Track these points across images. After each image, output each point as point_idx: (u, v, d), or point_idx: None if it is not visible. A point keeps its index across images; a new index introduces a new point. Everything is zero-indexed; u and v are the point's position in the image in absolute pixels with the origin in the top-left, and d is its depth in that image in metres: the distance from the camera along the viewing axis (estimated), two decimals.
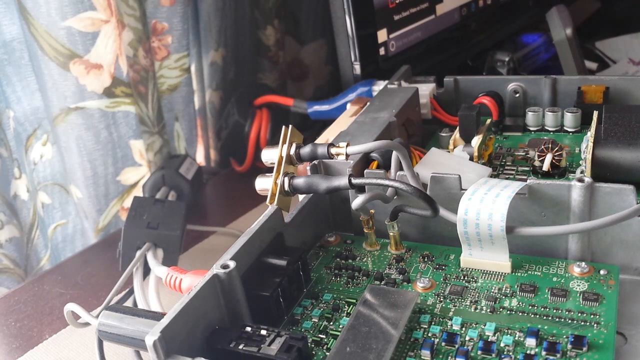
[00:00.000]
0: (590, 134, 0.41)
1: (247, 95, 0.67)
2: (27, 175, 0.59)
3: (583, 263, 0.35)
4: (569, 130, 0.50)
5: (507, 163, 0.47)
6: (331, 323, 0.34)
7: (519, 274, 0.36)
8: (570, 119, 0.50)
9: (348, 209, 0.42)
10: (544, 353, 0.30)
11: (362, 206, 0.36)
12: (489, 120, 0.50)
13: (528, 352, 0.30)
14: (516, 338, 0.31)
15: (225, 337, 0.30)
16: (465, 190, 0.36)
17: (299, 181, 0.37)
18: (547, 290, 0.34)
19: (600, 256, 0.36)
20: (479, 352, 0.30)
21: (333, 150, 0.38)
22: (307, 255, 0.40)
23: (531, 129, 0.52)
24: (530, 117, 0.51)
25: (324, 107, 0.63)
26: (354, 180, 0.36)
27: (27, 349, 0.44)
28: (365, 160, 0.42)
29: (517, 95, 0.54)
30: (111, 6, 0.54)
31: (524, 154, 0.48)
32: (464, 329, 0.32)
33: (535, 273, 0.36)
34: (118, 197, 0.60)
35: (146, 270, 0.44)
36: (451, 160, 0.45)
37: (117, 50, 0.55)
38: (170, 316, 0.28)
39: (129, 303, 0.42)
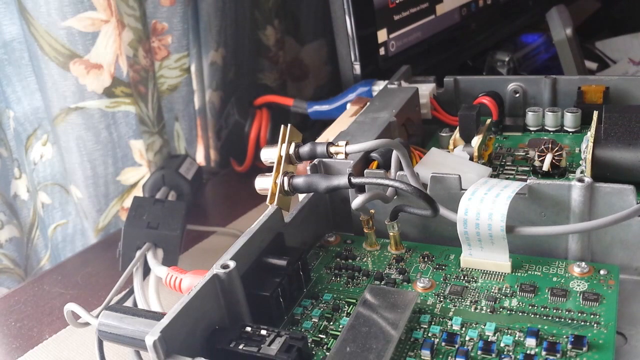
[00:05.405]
0: (590, 134, 0.41)
1: (247, 95, 0.67)
2: (27, 175, 0.59)
3: (583, 263, 0.35)
4: (569, 130, 0.50)
5: (507, 163, 0.47)
6: (331, 323, 0.34)
7: (519, 274, 0.36)
8: (570, 119, 0.50)
9: (348, 209, 0.42)
10: (544, 353, 0.30)
11: (362, 206, 0.36)
12: (489, 120, 0.50)
13: (528, 352, 0.30)
14: (516, 338, 0.31)
15: (225, 337, 0.30)
16: (465, 190, 0.36)
17: (299, 180, 0.37)
18: (547, 290, 0.34)
19: (600, 256, 0.36)
20: (479, 352, 0.30)
21: (332, 149, 0.38)
22: (307, 255, 0.40)
23: (531, 129, 0.52)
24: (530, 117, 0.51)
25: (324, 107, 0.63)
26: (354, 180, 0.36)
27: (27, 349, 0.44)
28: (365, 160, 0.42)
29: (517, 95, 0.54)
30: (111, 6, 0.54)
31: (524, 154, 0.48)
32: (464, 329, 0.32)
33: (535, 273, 0.36)
34: (118, 197, 0.60)
35: (146, 270, 0.44)
36: (451, 160, 0.45)
37: (117, 50, 0.55)
38: (170, 316, 0.28)
39: (129, 303, 0.42)
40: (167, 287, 0.38)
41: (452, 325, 0.32)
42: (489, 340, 0.31)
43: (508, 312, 0.33)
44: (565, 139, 0.49)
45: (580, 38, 0.74)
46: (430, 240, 0.40)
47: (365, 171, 0.41)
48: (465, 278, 0.36)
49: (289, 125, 0.39)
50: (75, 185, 0.58)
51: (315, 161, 0.41)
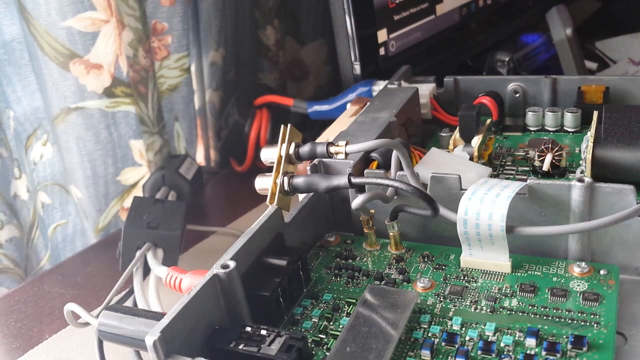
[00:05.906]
0: (590, 134, 0.41)
1: (247, 95, 0.68)
2: (27, 175, 0.59)
3: (583, 263, 0.35)
4: (569, 130, 0.50)
5: (507, 163, 0.47)
6: (331, 323, 0.34)
7: (519, 274, 0.36)
8: (570, 119, 0.50)
9: (348, 209, 0.42)
10: (544, 353, 0.30)
11: (362, 206, 0.36)
12: (489, 120, 0.50)
13: (528, 352, 0.30)
14: (516, 338, 0.31)
15: (225, 337, 0.30)
16: (465, 190, 0.36)
17: (299, 180, 0.37)
18: (547, 290, 0.34)
19: (600, 256, 0.36)
20: (479, 352, 0.30)
21: (332, 149, 0.38)
22: (307, 255, 0.40)
23: (531, 129, 0.52)
24: (530, 117, 0.51)
25: (324, 107, 0.63)
26: (354, 180, 0.36)
27: (27, 349, 0.44)
28: (365, 160, 0.42)
29: (517, 95, 0.54)
30: (111, 6, 0.54)
31: (524, 154, 0.48)
32: (464, 329, 0.32)
33: (535, 273, 0.36)
34: (118, 197, 0.60)
35: (146, 270, 0.44)
36: (451, 160, 0.45)
37: (117, 50, 0.55)
38: (170, 316, 0.28)
39: (129, 303, 0.42)
40: (167, 287, 0.38)
41: (452, 325, 0.32)
42: (489, 340, 0.31)
43: (508, 312, 0.33)
44: (565, 139, 0.49)
45: (580, 38, 0.74)
46: (430, 240, 0.40)
47: (365, 171, 0.41)
48: (465, 278, 0.36)
49: (289, 125, 0.39)
50: (75, 185, 0.58)
51: (315, 161, 0.41)
